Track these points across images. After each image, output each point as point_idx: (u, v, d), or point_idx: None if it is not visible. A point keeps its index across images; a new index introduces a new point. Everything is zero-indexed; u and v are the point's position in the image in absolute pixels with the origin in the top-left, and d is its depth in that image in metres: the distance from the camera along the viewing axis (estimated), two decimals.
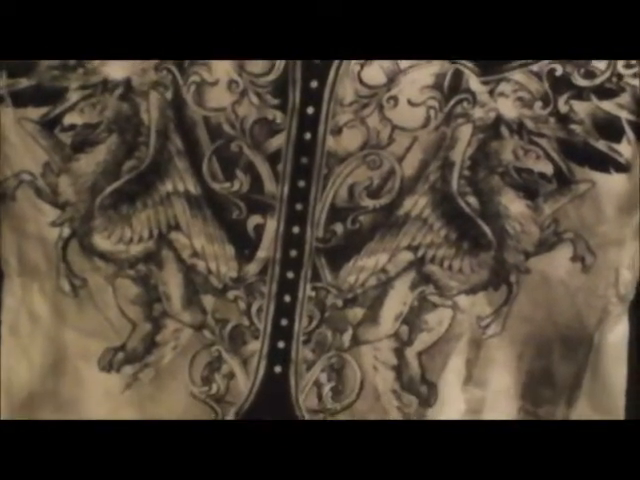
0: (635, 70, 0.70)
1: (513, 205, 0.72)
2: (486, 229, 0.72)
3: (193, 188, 0.72)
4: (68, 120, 0.71)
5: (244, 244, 0.72)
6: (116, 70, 0.71)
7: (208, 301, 0.73)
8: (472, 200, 0.72)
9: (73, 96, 0.71)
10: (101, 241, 0.72)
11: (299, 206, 0.71)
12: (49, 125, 0.71)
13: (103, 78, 0.71)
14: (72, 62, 0.70)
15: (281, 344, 0.73)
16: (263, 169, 0.71)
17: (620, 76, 0.70)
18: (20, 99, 0.71)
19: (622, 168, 0.72)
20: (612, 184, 0.72)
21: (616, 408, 0.74)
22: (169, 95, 0.70)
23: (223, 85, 0.70)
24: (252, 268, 0.72)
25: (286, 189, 0.71)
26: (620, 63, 0.70)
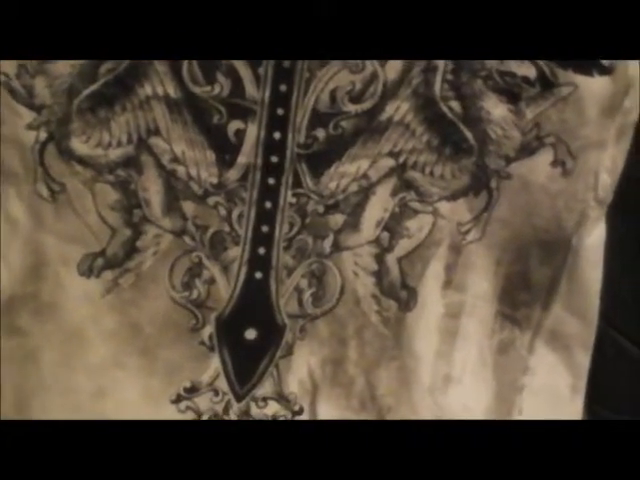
0: None
1: (496, 109, 0.72)
2: (468, 134, 0.72)
3: (173, 92, 0.70)
4: None
5: (225, 149, 0.71)
6: None
7: (188, 207, 0.72)
8: (454, 105, 0.71)
9: None
10: (79, 145, 0.71)
11: (280, 111, 0.70)
12: None
13: None
14: None
15: (262, 250, 0.72)
16: (244, 72, 0.70)
17: None
18: None
19: (605, 71, 0.72)
20: (595, 87, 0.72)
21: (591, 311, 0.75)
22: None
23: None
24: (233, 174, 0.71)
25: (267, 93, 0.70)
26: None
